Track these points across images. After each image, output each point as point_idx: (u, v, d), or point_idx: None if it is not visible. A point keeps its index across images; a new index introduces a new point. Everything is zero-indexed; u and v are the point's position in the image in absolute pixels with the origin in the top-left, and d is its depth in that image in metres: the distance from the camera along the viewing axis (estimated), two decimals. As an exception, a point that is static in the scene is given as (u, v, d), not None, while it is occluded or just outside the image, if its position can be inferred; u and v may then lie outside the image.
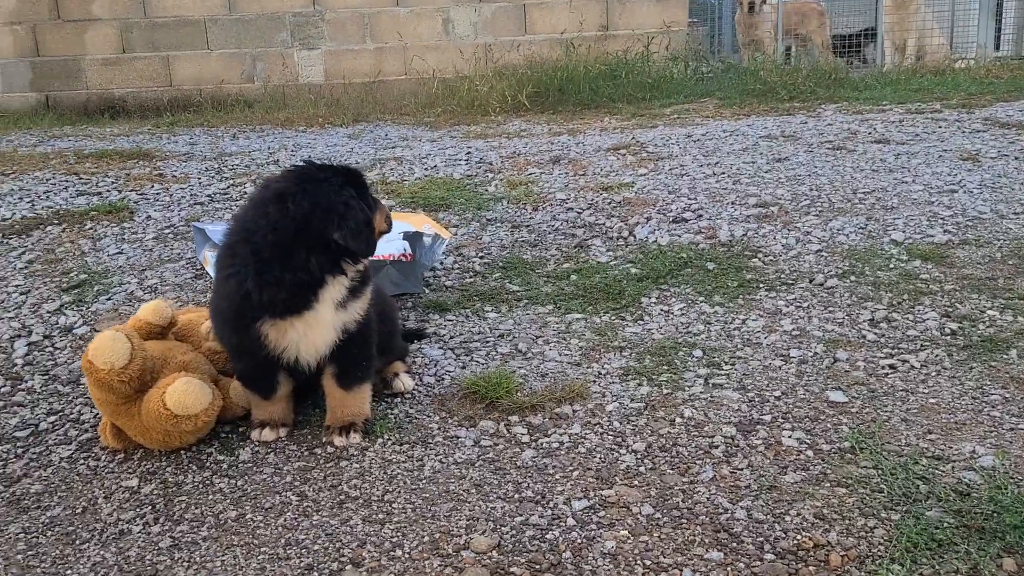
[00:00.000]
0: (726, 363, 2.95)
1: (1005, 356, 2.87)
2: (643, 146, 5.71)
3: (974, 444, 2.36)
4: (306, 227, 2.37)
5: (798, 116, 6.93)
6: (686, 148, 5.59)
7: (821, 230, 4.00)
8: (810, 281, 3.55)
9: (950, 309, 3.22)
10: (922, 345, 2.99)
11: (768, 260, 3.77)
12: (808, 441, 2.44)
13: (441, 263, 3.96)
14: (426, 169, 5.41)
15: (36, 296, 3.64)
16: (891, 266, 3.61)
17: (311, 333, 2.47)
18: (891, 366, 2.86)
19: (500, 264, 3.93)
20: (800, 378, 2.82)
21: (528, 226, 4.33)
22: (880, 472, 2.26)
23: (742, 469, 2.33)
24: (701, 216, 4.26)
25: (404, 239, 3.62)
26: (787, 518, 2.11)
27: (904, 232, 3.91)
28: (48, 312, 3.49)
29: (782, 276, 3.62)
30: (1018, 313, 3.15)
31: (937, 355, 2.91)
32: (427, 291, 3.68)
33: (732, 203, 4.40)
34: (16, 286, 3.75)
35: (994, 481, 2.18)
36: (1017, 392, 2.63)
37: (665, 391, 2.78)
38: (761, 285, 3.55)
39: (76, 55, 9.58)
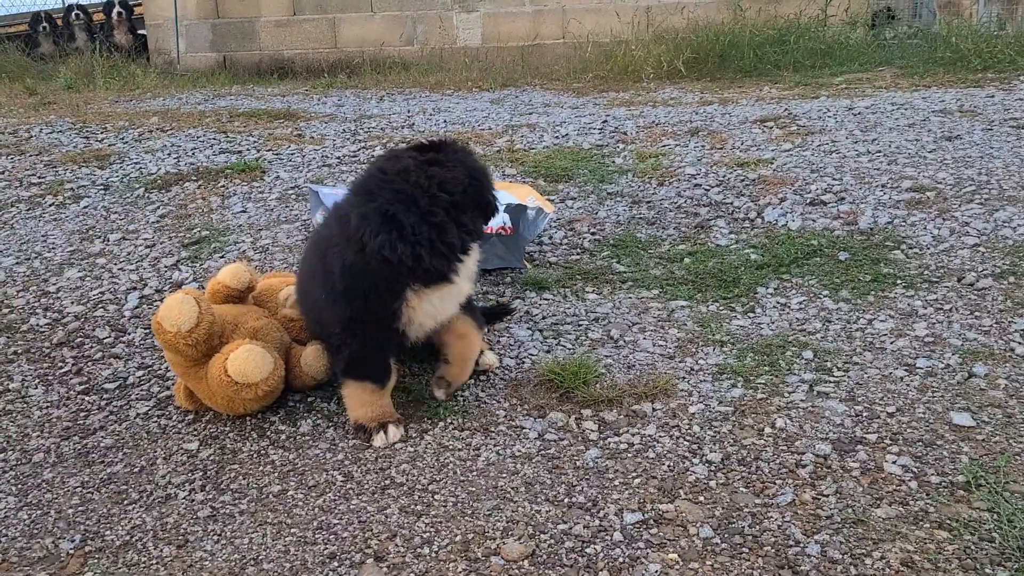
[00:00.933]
0: (838, 368, 2.62)
1: None
2: (795, 118, 5.25)
3: (1125, 495, 1.95)
4: (476, 190, 2.34)
5: (987, 88, 6.16)
6: (843, 122, 5.08)
7: (983, 221, 3.49)
8: (958, 280, 3.10)
9: None
10: (1084, 365, 2.53)
11: (912, 253, 3.33)
12: (915, 470, 2.10)
13: (550, 237, 3.78)
14: (556, 137, 5.22)
15: (159, 250, 3.79)
16: (1063, 267, 3.09)
17: (444, 305, 2.37)
18: (1039, 388, 2.43)
19: (611, 242, 3.70)
20: (923, 393, 2.45)
21: (649, 202, 4.07)
22: (995, 516, 1.91)
23: (828, 496, 2.03)
24: (843, 199, 3.83)
25: (506, 211, 3.48)
26: (868, 560, 1.81)
27: (1086, 228, 3.34)
28: (166, 267, 3.62)
29: (926, 272, 3.18)
30: None
31: (1101, 379, 2.45)
32: (529, 267, 3.52)
33: (882, 186, 3.93)
34: (144, 239, 3.92)
35: None
36: None
37: (760, 395, 2.49)
38: (899, 281, 3.14)
39: (252, 17, 10.03)
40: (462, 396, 2.59)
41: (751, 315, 3.03)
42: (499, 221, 3.47)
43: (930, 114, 5.12)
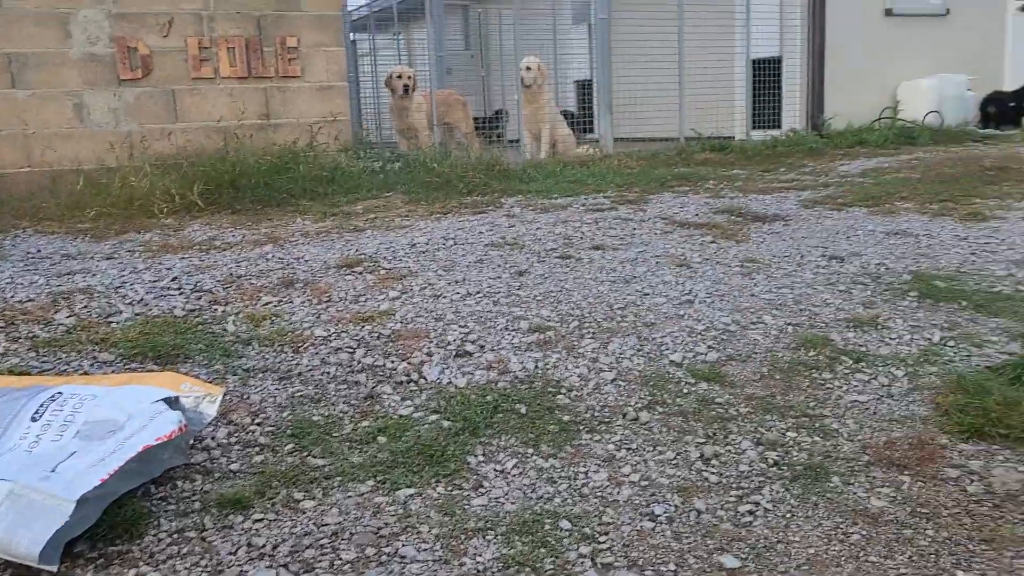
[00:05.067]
0: (600, 533, 2.78)
1: (831, 484, 3.06)
2: (374, 261, 5.39)
3: (880, 599, 2.46)
4: None
5: (491, 214, 7.11)
6: (420, 262, 5.39)
7: (605, 355, 4.04)
8: (623, 416, 3.53)
9: (758, 435, 3.40)
10: (759, 482, 3.09)
11: (574, 395, 3.69)
12: (737, 624, 2.35)
13: (213, 438, 3.28)
14: (132, 305, 4.52)
15: None
16: (685, 391, 3.74)
17: None
18: (749, 512, 2.91)
19: (287, 431, 3.36)
20: (679, 541, 2.74)
21: (299, 374, 3.79)
22: (827, 652, 2.24)
23: None
24: (483, 347, 4.07)
25: (172, 408, 2.98)
26: None
27: (676, 351, 4.09)
28: None
29: (595, 413, 3.56)
30: (811, 432, 3.41)
31: (777, 492, 3.02)
32: (209, 481, 3.00)
33: (505, 328, 4.28)
34: None
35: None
36: (869, 527, 2.80)
37: (563, 584, 2.52)
38: (581, 427, 3.45)
39: None
40: None
41: (482, 490, 3.03)
42: (174, 421, 2.92)
43: (486, 248, 5.72)
